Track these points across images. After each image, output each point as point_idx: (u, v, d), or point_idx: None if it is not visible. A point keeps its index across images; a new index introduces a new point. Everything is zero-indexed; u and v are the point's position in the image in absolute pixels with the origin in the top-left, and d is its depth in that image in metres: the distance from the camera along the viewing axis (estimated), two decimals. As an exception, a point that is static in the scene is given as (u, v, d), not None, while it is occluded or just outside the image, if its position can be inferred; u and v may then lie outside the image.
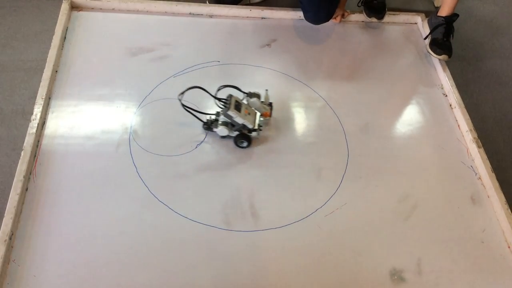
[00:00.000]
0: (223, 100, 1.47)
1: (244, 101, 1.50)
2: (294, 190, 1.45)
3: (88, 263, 1.23)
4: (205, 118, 1.52)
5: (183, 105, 1.44)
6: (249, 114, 1.48)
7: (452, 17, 1.83)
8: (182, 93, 1.41)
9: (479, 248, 1.41)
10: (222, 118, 1.47)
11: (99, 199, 1.34)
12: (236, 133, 1.49)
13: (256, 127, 1.49)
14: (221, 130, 1.47)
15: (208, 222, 1.34)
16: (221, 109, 1.46)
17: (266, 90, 1.58)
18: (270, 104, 1.56)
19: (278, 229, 1.36)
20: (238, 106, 1.45)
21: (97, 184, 1.37)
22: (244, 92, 1.51)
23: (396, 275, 1.31)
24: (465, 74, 1.98)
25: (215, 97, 1.47)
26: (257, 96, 1.50)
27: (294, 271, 1.29)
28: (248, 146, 1.51)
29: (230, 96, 1.46)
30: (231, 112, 1.42)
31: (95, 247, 1.26)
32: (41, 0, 1.92)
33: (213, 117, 1.51)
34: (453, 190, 1.53)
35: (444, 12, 1.84)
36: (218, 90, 1.47)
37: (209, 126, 1.51)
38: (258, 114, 1.53)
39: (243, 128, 1.48)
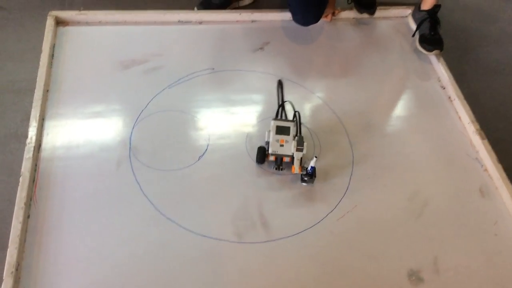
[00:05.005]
0: (284, 112, 1.57)
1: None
2: (302, 195, 1.42)
3: (98, 287, 1.18)
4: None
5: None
6: (282, 146, 1.43)
7: (434, 9, 1.79)
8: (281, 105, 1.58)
9: (493, 241, 1.40)
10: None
11: (104, 221, 1.29)
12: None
13: (272, 154, 1.43)
14: (267, 134, 1.47)
15: (218, 236, 1.30)
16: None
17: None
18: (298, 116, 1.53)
19: (291, 237, 1.32)
20: (282, 130, 1.45)
21: (100, 204, 1.32)
22: (297, 134, 1.48)
23: (414, 276, 1.29)
24: (460, 65, 1.97)
25: (280, 105, 1.58)
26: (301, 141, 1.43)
27: (310, 280, 1.26)
28: (258, 163, 1.46)
29: (298, 113, 1.52)
30: (273, 123, 1.46)
31: (104, 270, 1.21)
32: (23, 17, 1.86)
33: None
34: (461, 184, 1.51)
35: (426, 5, 1.80)
36: (282, 104, 1.59)
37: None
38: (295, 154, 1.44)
39: (266, 145, 1.46)
